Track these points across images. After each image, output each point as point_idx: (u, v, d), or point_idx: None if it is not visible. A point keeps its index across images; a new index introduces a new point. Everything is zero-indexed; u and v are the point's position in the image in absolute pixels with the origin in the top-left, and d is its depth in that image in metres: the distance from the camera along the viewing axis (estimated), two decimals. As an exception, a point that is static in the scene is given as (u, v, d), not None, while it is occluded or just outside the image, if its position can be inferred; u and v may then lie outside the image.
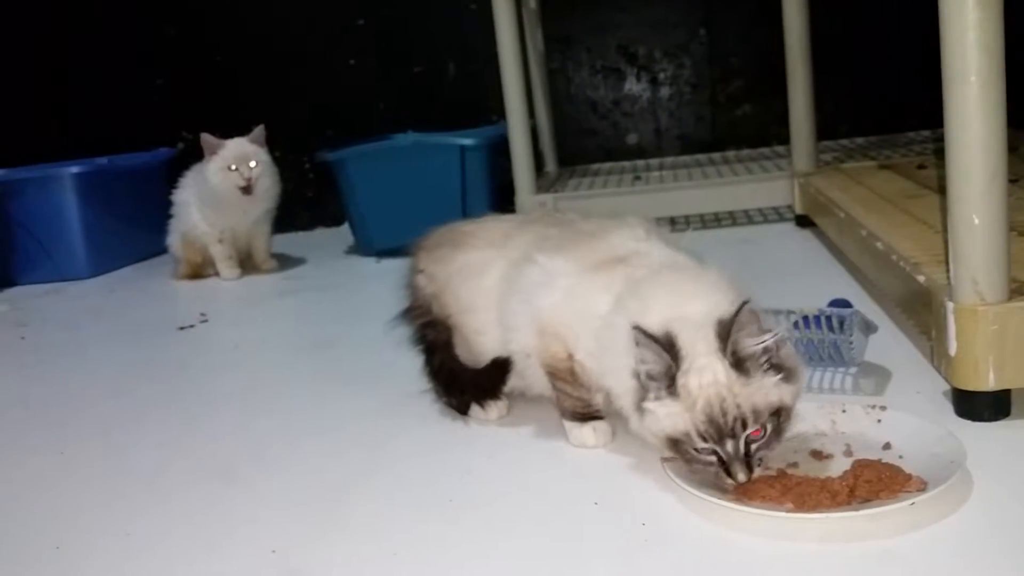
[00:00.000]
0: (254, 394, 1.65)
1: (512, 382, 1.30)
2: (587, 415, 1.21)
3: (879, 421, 1.11)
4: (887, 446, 1.07)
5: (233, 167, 2.54)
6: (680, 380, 0.99)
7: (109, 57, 3.40)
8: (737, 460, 0.98)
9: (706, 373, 0.99)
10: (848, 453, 1.07)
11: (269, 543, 1.05)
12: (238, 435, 1.44)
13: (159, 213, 2.81)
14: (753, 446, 0.99)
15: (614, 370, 1.08)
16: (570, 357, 1.17)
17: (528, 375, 1.27)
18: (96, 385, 1.81)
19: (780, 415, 1.00)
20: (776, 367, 1.01)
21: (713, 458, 0.99)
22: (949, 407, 1.18)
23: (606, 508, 1.05)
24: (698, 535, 0.97)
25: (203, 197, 2.64)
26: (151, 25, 3.38)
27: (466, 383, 1.34)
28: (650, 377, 1.01)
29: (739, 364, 0.99)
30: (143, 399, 1.67)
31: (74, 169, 2.88)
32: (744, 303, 0.99)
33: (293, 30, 3.35)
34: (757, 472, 1.00)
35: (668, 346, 1.00)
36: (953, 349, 1.13)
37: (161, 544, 1.10)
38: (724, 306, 1.02)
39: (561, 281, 1.17)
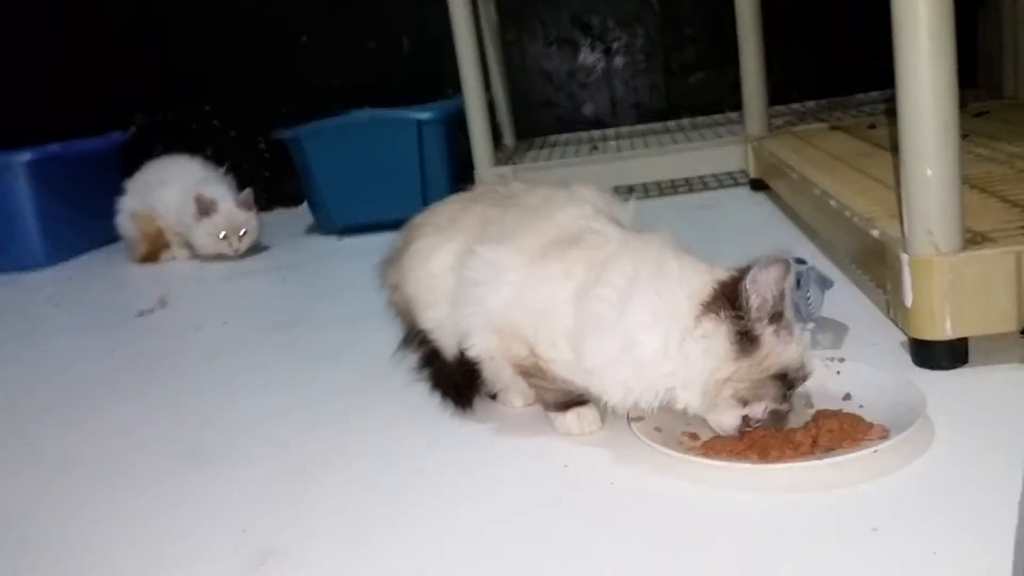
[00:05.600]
0: (218, 376, 1.63)
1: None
2: (570, 402, 1.15)
3: (838, 373, 1.13)
4: (847, 397, 1.09)
5: (223, 235, 2.56)
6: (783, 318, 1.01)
7: (57, 41, 3.33)
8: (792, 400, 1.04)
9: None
10: (809, 405, 1.09)
11: (240, 523, 1.05)
12: (203, 417, 1.43)
13: (114, 198, 2.78)
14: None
15: (609, 347, 1.03)
16: (532, 353, 1.11)
17: (489, 374, 1.20)
18: (58, 375, 1.78)
19: None
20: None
21: (786, 396, 1.03)
22: (907, 358, 1.20)
23: (575, 470, 1.06)
24: (667, 491, 0.98)
25: (178, 216, 2.63)
26: (101, 9, 3.32)
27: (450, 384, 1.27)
28: (772, 314, 1.00)
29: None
30: (106, 387, 1.66)
31: (26, 156, 2.82)
32: (805, 264, 1.07)
33: (245, 8, 3.30)
34: None
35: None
36: (909, 300, 1.15)
37: (130, 530, 1.09)
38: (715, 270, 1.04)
39: (509, 276, 1.11)
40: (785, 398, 1.02)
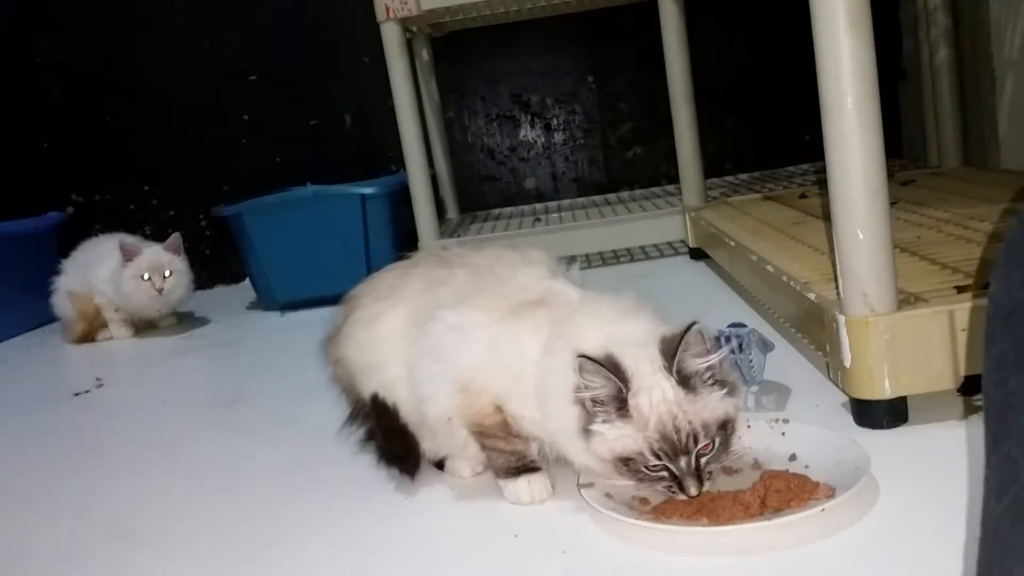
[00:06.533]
0: (155, 455, 1.59)
1: (424, 444, 1.24)
2: (521, 468, 1.14)
3: (783, 434, 1.15)
4: (793, 457, 1.10)
5: (146, 276, 2.54)
6: (631, 401, 0.99)
7: (-10, 121, 3.30)
8: (689, 475, 0.99)
9: (655, 392, 1.00)
10: (756, 466, 1.10)
11: (182, 601, 1.02)
12: (143, 497, 1.39)
13: (50, 278, 2.73)
14: (703, 460, 1.00)
15: (558, 413, 1.04)
16: (498, 410, 1.11)
17: (442, 438, 1.20)
18: (-12, 457, 1.72)
19: (727, 428, 1.02)
20: (720, 382, 1.03)
21: (665, 474, 1.00)
22: (848, 418, 1.22)
23: (526, 540, 1.05)
24: (619, 557, 0.98)
25: (113, 286, 2.60)
26: (36, 88, 3.30)
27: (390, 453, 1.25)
28: (596, 402, 1.00)
29: (685, 381, 1.01)
30: (41, 468, 1.60)
31: (-42, 236, 2.77)
32: (693, 323, 1.01)
33: (185, 87, 3.30)
34: (707, 485, 1.01)
35: (614, 369, 1.00)
36: (848, 360, 1.17)
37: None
38: (657, 325, 1.05)
39: (479, 333, 1.11)
40: (640, 478, 1.01)
